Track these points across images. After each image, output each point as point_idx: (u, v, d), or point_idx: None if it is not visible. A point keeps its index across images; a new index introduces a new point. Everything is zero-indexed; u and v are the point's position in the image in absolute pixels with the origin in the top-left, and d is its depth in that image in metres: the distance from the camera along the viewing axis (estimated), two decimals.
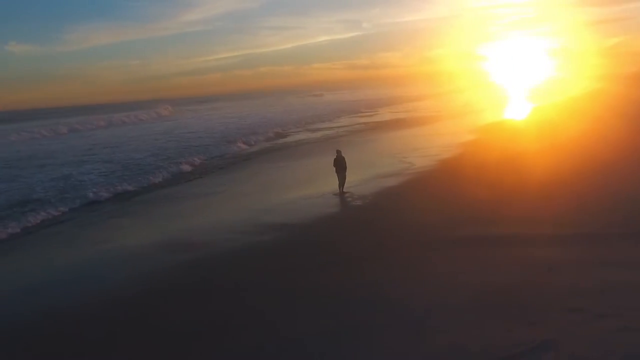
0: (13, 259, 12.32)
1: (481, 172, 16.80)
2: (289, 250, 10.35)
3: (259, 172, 22.97)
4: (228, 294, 8.34)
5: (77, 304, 8.81)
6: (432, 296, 7.35)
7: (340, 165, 15.54)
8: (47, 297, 9.26)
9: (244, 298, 8.02)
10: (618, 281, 7.25)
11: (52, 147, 39.43)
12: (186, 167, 24.04)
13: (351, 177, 16.00)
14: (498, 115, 47.68)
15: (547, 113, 45.55)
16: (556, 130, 28.58)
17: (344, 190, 15.47)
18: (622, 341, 5.44)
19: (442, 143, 25.17)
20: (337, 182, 15.66)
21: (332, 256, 9.51)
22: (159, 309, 8.09)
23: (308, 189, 16.99)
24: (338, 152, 15.84)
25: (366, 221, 12.13)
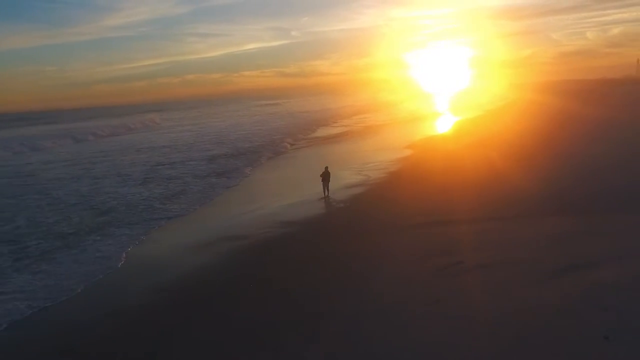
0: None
1: (420, 181, 24.04)
2: (313, 236, 16.78)
3: (253, 182, 28.89)
4: (292, 260, 14.69)
5: (187, 279, 14.63)
6: (400, 252, 14.11)
7: (326, 177, 22.22)
8: (172, 270, 15.05)
9: (307, 259, 14.38)
10: (497, 237, 14.35)
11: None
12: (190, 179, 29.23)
13: (318, 189, 22.78)
14: (430, 127, 56.59)
15: (469, 125, 54.86)
16: (474, 142, 36.86)
17: (329, 195, 22.17)
18: (496, 257, 12.43)
19: (386, 158, 32.35)
20: (321, 189, 22.37)
21: (345, 236, 16.18)
22: (259, 269, 14.25)
23: (298, 196, 23.34)
24: (326, 167, 22.46)
25: (354, 217, 18.77)
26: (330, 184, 22.64)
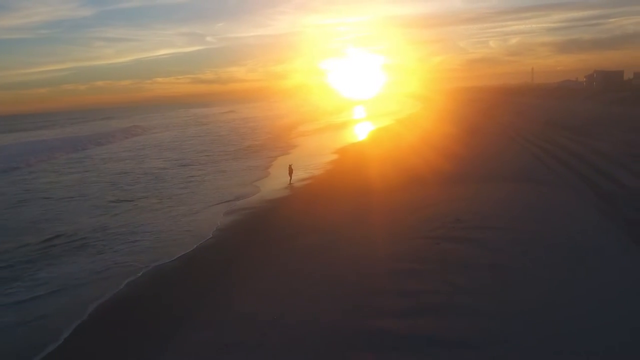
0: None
1: (350, 174, 37.13)
2: (289, 204, 29.09)
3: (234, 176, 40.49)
4: (293, 215, 26.92)
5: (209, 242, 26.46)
6: (340, 206, 26.78)
7: (291, 172, 34.87)
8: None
9: (303, 215, 26.64)
10: (393, 198, 27.47)
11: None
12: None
13: (285, 179, 35.37)
14: (351, 135, 70.71)
15: (383, 132, 69.36)
16: (387, 145, 50.70)
17: (292, 183, 34.72)
18: (390, 206, 25.46)
19: (321, 160, 45.34)
20: (288, 180, 34.94)
21: (315, 199, 28.79)
22: (268, 223, 26.30)
23: (270, 186, 35.51)
24: (290, 165, 35.20)
25: (312, 194, 31.29)
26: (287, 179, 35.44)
